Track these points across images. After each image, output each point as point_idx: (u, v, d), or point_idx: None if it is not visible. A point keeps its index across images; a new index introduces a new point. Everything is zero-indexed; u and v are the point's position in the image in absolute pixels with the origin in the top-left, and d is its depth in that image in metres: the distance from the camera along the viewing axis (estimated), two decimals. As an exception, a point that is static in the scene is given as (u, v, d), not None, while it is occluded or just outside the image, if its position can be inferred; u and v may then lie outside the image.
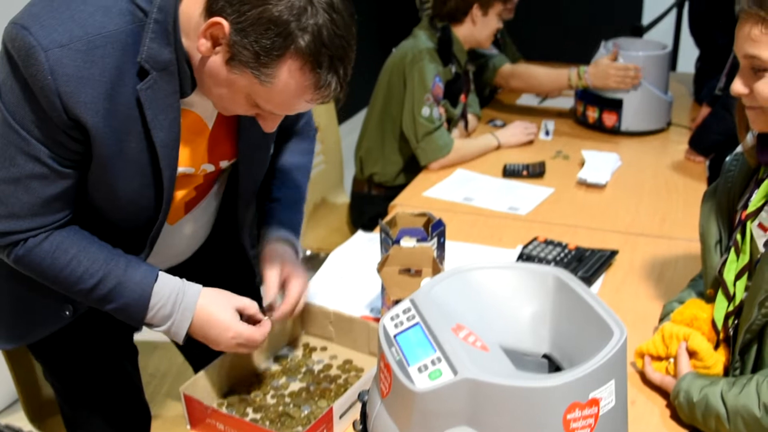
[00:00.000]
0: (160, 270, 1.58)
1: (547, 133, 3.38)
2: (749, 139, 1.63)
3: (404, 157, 3.22)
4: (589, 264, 2.16)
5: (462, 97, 3.27)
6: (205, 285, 1.77)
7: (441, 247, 1.88)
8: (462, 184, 2.87)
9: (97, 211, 1.54)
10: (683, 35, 4.62)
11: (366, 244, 2.39)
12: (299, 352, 1.83)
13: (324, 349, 1.84)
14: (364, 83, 3.35)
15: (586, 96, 3.41)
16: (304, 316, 1.88)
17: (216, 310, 1.59)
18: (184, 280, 1.61)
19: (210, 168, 1.63)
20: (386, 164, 3.27)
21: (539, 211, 2.64)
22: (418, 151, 3.03)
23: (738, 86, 1.52)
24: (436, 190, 2.83)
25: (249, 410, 1.64)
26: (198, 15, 1.35)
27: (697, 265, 1.78)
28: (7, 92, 1.36)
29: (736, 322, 1.58)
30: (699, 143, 3.05)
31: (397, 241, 1.79)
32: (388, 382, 1.18)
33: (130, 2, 1.37)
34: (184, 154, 1.54)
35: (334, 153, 3.67)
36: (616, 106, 3.31)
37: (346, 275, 2.22)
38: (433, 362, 1.13)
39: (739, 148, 1.70)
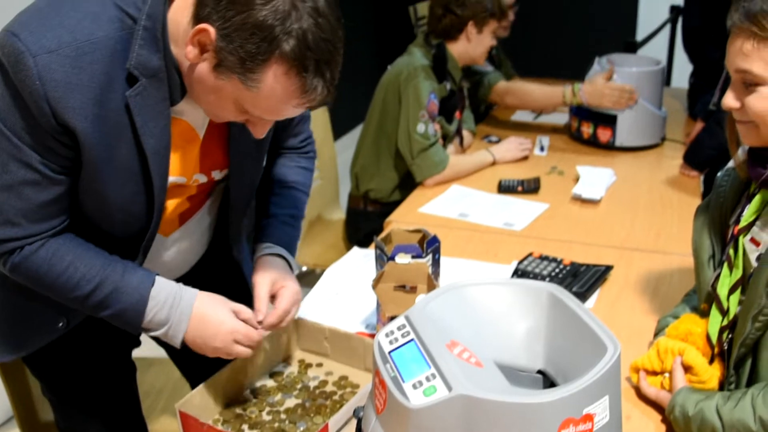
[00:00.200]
0: (157, 275, 1.59)
1: (542, 148, 3.39)
2: (740, 153, 1.64)
3: (400, 174, 3.23)
4: (584, 279, 2.17)
5: (457, 113, 3.29)
6: None
7: (436, 263, 1.88)
8: (457, 200, 2.88)
9: (89, 219, 1.55)
10: (677, 51, 4.64)
11: (361, 260, 2.39)
12: (295, 369, 1.83)
13: (320, 365, 1.84)
14: (360, 100, 3.36)
15: (581, 112, 3.43)
16: (300, 332, 1.88)
17: (212, 310, 1.60)
18: (181, 284, 1.62)
19: (202, 178, 1.64)
20: (382, 180, 3.28)
21: (534, 227, 2.65)
22: (414, 167, 3.04)
23: (729, 100, 1.53)
24: (431, 206, 2.84)
25: (245, 427, 1.64)
26: (186, 22, 1.36)
27: (692, 279, 1.79)
28: None
29: (730, 336, 1.58)
30: (693, 158, 3.07)
31: (392, 258, 1.79)
32: (383, 399, 1.18)
33: (120, 9, 1.38)
34: (175, 163, 1.55)
35: (330, 169, 3.68)
36: (610, 121, 3.33)
37: (342, 291, 2.22)
38: (427, 378, 1.13)
39: (730, 163, 1.71)
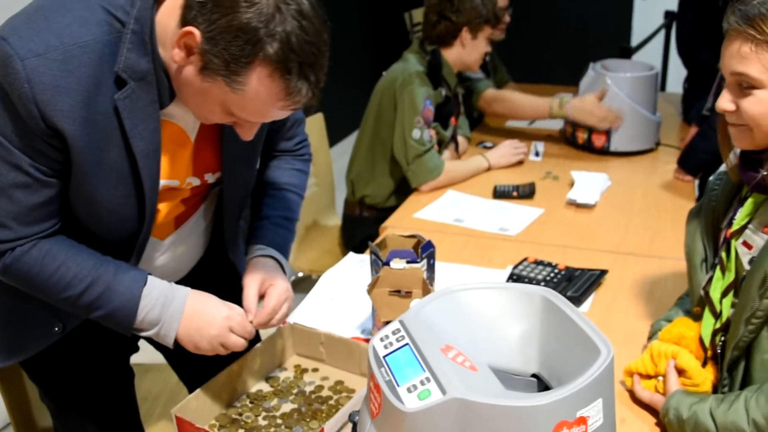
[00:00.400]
0: (149, 274, 1.60)
1: (537, 154, 3.40)
2: (732, 157, 1.65)
3: (395, 180, 3.24)
4: (579, 284, 2.18)
5: (452, 119, 3.30)
6: None
7: (431, 268, 1.89)
8: (452, 206, 2.89)
9: (82, 223, 1.56)
10: (672, 56, 4.66)
11: (357, 265, 2.40)
12: (291, 374, 1.84)
13: (315, 370, 1.84)
14: (355, 106, 3.37)
15: (576, 117, 3.44)
16: (296, 338, 1.89)
17: (205, 305, 1.62)
18: (173, 283, 1.62)
19: (196, 182, 1.65)
20: (377, 186, 3.29)
21: (529, 232, 2.66)
22: (409, 173, 3.05)
23: (724, 103, 1.53)
24: (426, 212, 2.85)
25: (241, 432, 1.65)
26: (174, 25, 1.37)
27: (686, 283, 1.79)
28: None
29: (723, 339, 1.59)
30: (687, 163, 3.08)
31: (387, 263, 1.80)
32: (378, 403, 1.18)
33: (108, 13, 1.39)
34: (167, 166, 1.56)
35: (326, 175, 3.69)
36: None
37: (337, 297, 2.22)
38: (422, 382, 1.13)
39: (722, 167, 1.72)
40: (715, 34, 1.56)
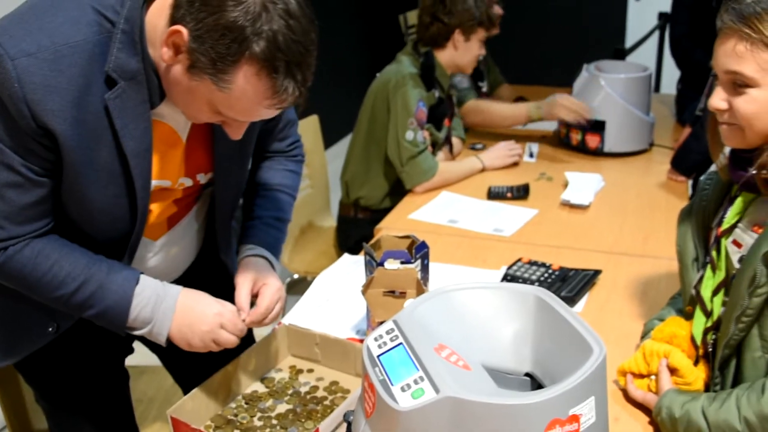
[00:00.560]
0: (141, 273, 1.61)
1: (531, 155, 3.41)
2: (722, 157, 1.66)
3: (389, 181, 3.24)
4: (573, 284, 2.19)
5: (446, 121, 3.30)
6: None
7: (425, 268, 1.90)
8: (447, 207, 2.90)
9: (74, 223, 1.56)
10: (666, 57, 4.67)
11: (351, 266, 2.41)
12: (286, 374, 1.84)
13: (310, 371, 1.85)
14: (350, 108, 3.38)
15: (569, 118, 3.45)
16: (291, 338, 1.89)
17: (197, 301, 1.63)
18: (165, 282, 1.63)
19: (188, 182, 1.66)
20: (372, 188, 3.29)
21: (523, 233, 2.67)
22: (403, 174, 3.06)
23: (717, 101, 1.54)
24: (421, 213, 2.85)
25: (236, 432, 1.65)
26: (163, 25, 1.38)
27: (679, 283, 1.80)
28: None
29: (714, 337, 1.60)
30: (680, 163, 3.09)
31: (382, 264, 1.81)
32: (372, 402, 1.19)
33: (98, 14, 1.40)
34: (158, 166, 1.57)
35: (321, 177, 3.69)
36: (598, 127, 3.35)
37: (332, 298, 2.23)
38: (415, 381, 1.14)
39: (713, 167, 1.73)
40: (709, 34, 1.57)
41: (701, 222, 1.73)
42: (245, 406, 1.73)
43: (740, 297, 1.50)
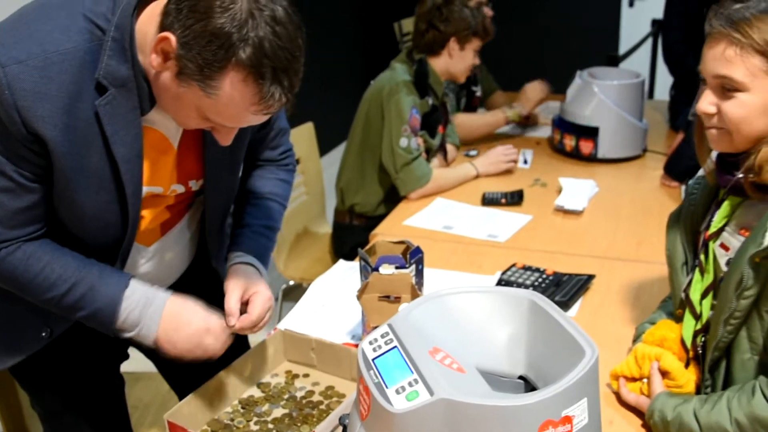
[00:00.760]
0: (132, 277, 1.62)
1: (525, 161, 3.43)
2: (709, 162, 1.67)
3: (384, 188, 3.26)
4: (566, 288, 2.20)
5: (440, 128, 3.32)
6: None
7: (419, 273, 1.91)
8: (441, 213, 2.91)
9: (66, 228, 1.58)
10: (660, 64, 4.69)
11: (347, 272, 2.42)
12: (282, 379, 1.85)
13: (306, 375, 1.86)
14: (346, 116, 3.39)
15: (563, 124, 3.47)
16: (287, 344, 1.90)
17: (185, 307, 1.64)
18: (156, 286, 1.64)
19: (180, 188, 1.67)
20: (367, 195, 3.31)
21: (518, 238, 2.68)
22: (398, 181, 3.07)
23: (705, 105, 1.55)
24: (416, 219, 2.87)
25: (232, 437, 1.66)
26: (153, 32, 1.39)
27: (671, 287, 1.82)
28: None
29: (703, 339, 1.61)
30: (673, 169, 3.11)
31: (376, 269, 1.82)
32: (367, 405, 1.20)
33: (89, 21, 1.42)
34: (150, 172, 1.58)
35: (316, 184, 3.71)
36: (592, 133, 3.37)
37: (328, 303, 2.24)
38: (410, 384, 1.15)
39: (700, 172, 1.75)
40: (702, 40, 1.58)
41: (690, 226, 1.74)
42: (241, 410, 1.74)
43: (728, 299, 1.51)
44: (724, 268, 1.58)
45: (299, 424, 1.68)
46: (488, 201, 2.98)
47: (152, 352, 2.04)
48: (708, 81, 1.55)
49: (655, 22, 4.92)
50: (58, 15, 1.42)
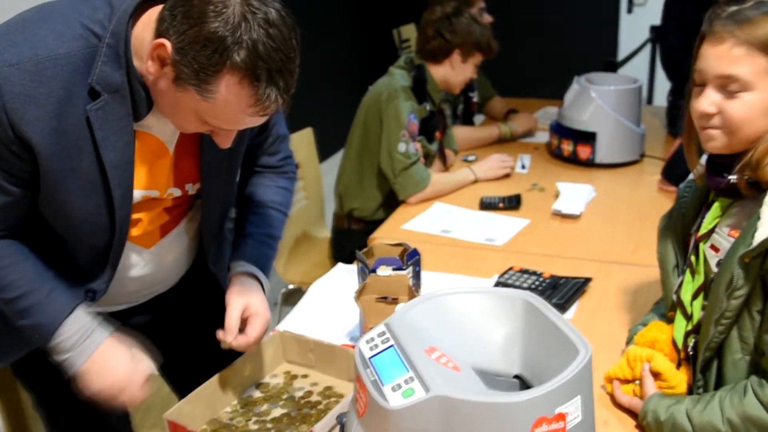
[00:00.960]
0: (80, 304, 1.62)
1: (523, 167, 3.45)
2: (699, 167, 1.68)
3: (383, 192, 3.28)
4: (563, 291, 2.22)
5: (437, 134, 3.35)
6: (182, 316, 1.85)
7: (417, 275, 1.93)
8: (440, 217, 2.93)
9: (54, 231, 1.60)
10: (658, 70, 4.71)
11: (345, 275, 2.44)
12: (281, 380, 1.87)
13: (305, 376, 1.88)
14: (345, 122, 3.41)
15: (561, 130, 3.49)
16: (286, 345, 1.92)
17: (114, 357, 1.63)
18: (100, 321, 1.64)
19: (177, 192, 1.68)
20: (365, 199, 3.33)
21: (515, 242, 2.70)
22: (396, 186, 3.09)
23: (706, 105, 1.54)
24: (414, 223, 2.89)
25: (232, 436, 1.68)
26: (150, 39, 1.41)
27: (665, 290, 1.84)
28: None
29: (694, 339, 1.63)
30: (671, 174, 3.12)
31: (374, 270, 1.84)
32: (364, 402, 1.22)
33: (86, 28, 1.44)
34: (146, 176, 1.60)
35: (315, 188, 3.73)
36: (590, 138, 3.39)
37: (327, 306, 2.26)
38: (406, 381, 1.17)
39: (691, 176, 1.76)
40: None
41: (681, 229, 1.76)
42: (241, 410, 1.76)
43: (719, 300, 1.52)
44: (715, 269, 1.59)
45: (298, 424, 1.69)
46: (486, 205, 3.00)
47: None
48: (709, 81, 1.54)
49: (653, 29, 4.95)
50: (54, 21, 1.44)
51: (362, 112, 3.25)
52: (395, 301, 1.82)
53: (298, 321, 2.17)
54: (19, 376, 1.83)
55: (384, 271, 1.83)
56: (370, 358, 1.26)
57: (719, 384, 1.58)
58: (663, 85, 4.48)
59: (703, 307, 1.61)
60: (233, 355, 1.76)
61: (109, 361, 1.62)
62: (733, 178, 1.55)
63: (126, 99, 1.47)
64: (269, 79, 1.37)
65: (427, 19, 3.27)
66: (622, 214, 2.92)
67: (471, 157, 3.57)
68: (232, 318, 1.72)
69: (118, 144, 1.50)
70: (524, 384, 1.33)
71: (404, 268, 1.86)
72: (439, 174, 3.23)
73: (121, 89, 1.46)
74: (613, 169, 3.41)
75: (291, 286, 3.60)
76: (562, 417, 1.14)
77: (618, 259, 2.53)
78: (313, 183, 3.69)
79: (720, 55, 1.50)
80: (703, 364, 1.59)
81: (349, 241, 3.39)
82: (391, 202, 3.20)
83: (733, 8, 1.50)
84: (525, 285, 2.26)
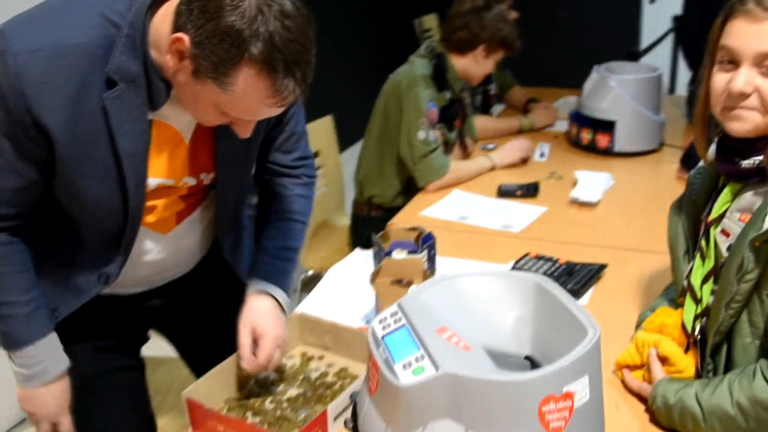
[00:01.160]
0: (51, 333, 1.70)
1: (542, 155, 3.46)
2: (709, 154, 1.69)
3: (402, 180, 3.29)
4: (578, 277, 2.23)
5: (457, 122, 3.36)
6: (198, 300, 1.90)
7: (431, 259, 1.95)
8: (458, 204, 2.95)
9: (68, 217, 1.64)
10: (681, 60, 4.70)
11: (363, 260, 2.46)
12: (297, 361, 1.90)
13: (321, 357, 1.91)
14: (365, 112, 3.43)
15: (580, 118, 3.49)
16: (302, 327, 1.95)
17: (53, 392, 1.72)
18: (58, 354, 1.72)
19: (192, 181, 1.71)
20: (385, 186, 3.35)
21: (532, 229, 2.71)
22: (416, 173, 3.11)
23: (744, 85, 1.50)
24: (432, 210, 2.91)
25: (248, 414, 1.71)
26: (168, 31, 1.43)
27: (680, 277, 1.84)
28: None
29: (702, 323, 1.64)
30: (689, 162, 3.11)
31: (389, 253, 1.86)
32: (376, 380, 1.25)
33: (105, 18, 1.47)
34: (162, 165, 1.63)
35: (335, 176, 3.75)
36: (609, 127, 3.39)
37: (344, 289, 2.29)
38: (416, 359, 1.20)
39: (701, 162, 1.76)
40: None
41: (692, 215, 1.76)
42: (257, 390, 1.79)
43: (729, 284, 1.53)
44: (725, 254, 1.59)
45: (313, 403, 1.72)
46: (504, 193, 3.01)
47: (174, 337, 2.10)
48: (745, 59, 1.50)
49: (676, 19, 4.93)
50: (75, 10, 1.48)
51: (382, 101, 3.27)
52: (409, 283, 1.84)
53: (315, 304, 2.21)
54: None
55: (399, 255, 1.86)
56: (382, 337, 1.28)
57: (728, 368, 1.59)
58: (685, 75, 4.46)
59: (713, 292, 1.62)
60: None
61: (47, 395, 1.71)
62: (758, 159, 1.53)
63: (142, 89, 1.50)
64: (286, 70, 1.39)
65: (456, 10, 3.27)
66: (639, 203, 2.92)
67: (490, 146, 3.58)
68: (242, 345, 1.76)
69: (133, 133, 1.53)
70: (534, 364, 1.35)
71: (419, 251, 1.88)
72: (457, 161, 3.24)
73: (137, 79, 1.49)
74: (632, 157, 3.41)
75: (310, 272, 3.63)
76: (569, 396, 1.17)
77: (634, 246, 2.54)
78: (332, 171, 3.72)
79: (761, 33, 1.47)
80: (713, 348, 1.60)
81: (368, 228, 3.39)
82: (410, 190, 3.22)
83: None
84: (540, 271, 2.27)
